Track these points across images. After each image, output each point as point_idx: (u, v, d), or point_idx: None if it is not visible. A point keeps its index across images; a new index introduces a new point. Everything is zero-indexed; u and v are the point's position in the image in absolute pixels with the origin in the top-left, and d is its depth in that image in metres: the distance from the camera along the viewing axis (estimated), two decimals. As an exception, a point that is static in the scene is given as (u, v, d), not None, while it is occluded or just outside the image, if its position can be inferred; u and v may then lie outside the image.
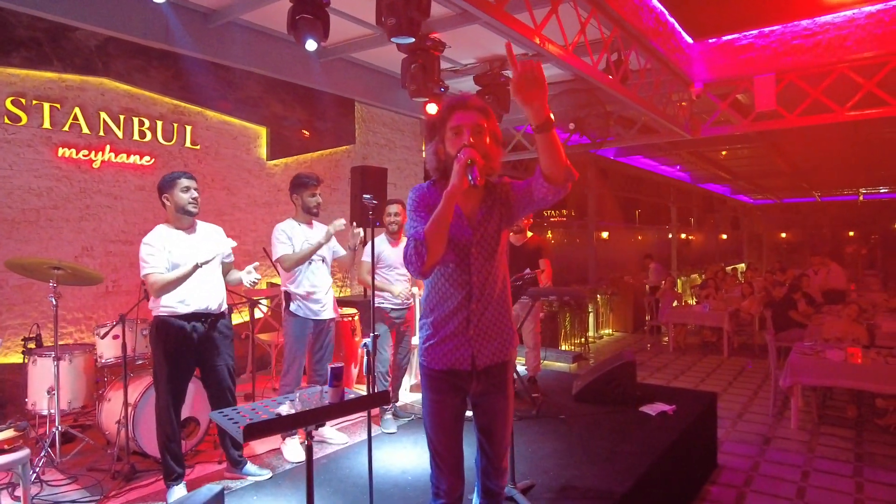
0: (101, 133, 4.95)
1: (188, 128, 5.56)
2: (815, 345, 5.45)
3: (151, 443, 3.47)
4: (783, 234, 24.65)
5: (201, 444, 3.76)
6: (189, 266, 2.98)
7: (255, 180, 6.17)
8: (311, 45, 3.93)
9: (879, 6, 4.91)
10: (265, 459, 3.65)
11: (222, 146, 5.88)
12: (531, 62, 1.68)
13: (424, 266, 1.79)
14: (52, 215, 4.69)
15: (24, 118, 4.50)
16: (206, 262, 3.03)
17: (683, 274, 15.88)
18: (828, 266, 10.27)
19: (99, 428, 3.76)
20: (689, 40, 5.79)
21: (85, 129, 4.84)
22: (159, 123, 5.34)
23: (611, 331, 10.82)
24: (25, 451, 2.61)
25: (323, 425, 3.98)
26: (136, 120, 5.17)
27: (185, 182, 3.11)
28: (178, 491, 3.07)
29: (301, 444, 3.85)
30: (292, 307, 3.73)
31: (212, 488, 2.37)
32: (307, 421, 1.70)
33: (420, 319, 2.07)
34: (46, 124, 4.62)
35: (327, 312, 3.86)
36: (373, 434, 3.93)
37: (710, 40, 5.79)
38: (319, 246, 3.68)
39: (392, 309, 4.24)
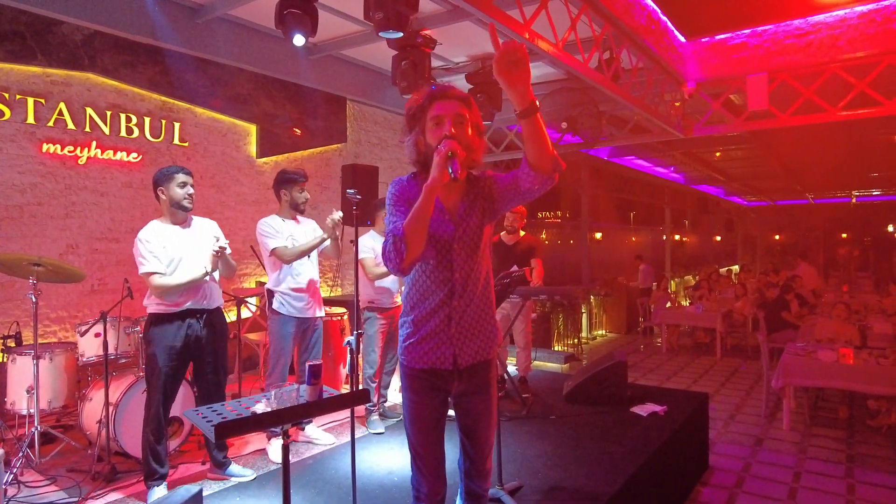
0: (87, 129, 4.88)
1: (176, 124, 5.50)
2: (807, 346, 5.43)
3: (133, 443, 3.41)
4: (777, 236, 24.74)
5: (185, 444, 3.70)
6: (199, 273, 3.01)
7: (245, 178, 6.10)
8: (298, 40, 3.88)
9: (871, 6, 4.90)
10: (250, 460, 3.59)
11: (211, 143, 5.81)
12: (514, 41, 1.62)
13: (403, 263, 1.73)
14: (35, 212, 4.61)
15: (8, 113, 4.43)
16: (213, 270, 3.05)
17: (677, 275, 15.91)
18: (798, 265, 10.38)
19: (80, 428, 3.69)
20: (682, 39, 5.77)
21: (70, 125, 4.77)
22: (147, 120, 5.27)
23: (604, 332, 10.80)
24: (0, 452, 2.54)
25: (302, 426, 3.93)
26: (123, 116, 5.10)
27: (181, 177, 3.08)
28: (159, 492, 3.01)
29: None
30: (275, 304, 3.68)
31: (189, 489, 2.31)
32: (283, 420, 1.64)
33: (401, 317, 2.00)
34: (30, 119, 4.54)
35: (313, 310, 3.80)
36: (360, 435, 3.91)
37: (703, 39, 5.77)
38: (324, 240, 3.65)
39: (383, 309, 4.19)
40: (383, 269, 4.10)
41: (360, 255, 4.13)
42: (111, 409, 3.33)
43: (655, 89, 5.68)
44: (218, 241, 3.10)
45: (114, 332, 3.60)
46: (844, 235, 22.90)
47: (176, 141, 5.50)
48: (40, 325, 4.63)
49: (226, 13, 4.76)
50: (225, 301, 4.42)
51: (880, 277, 14.93)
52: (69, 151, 4.76)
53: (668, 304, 9.62)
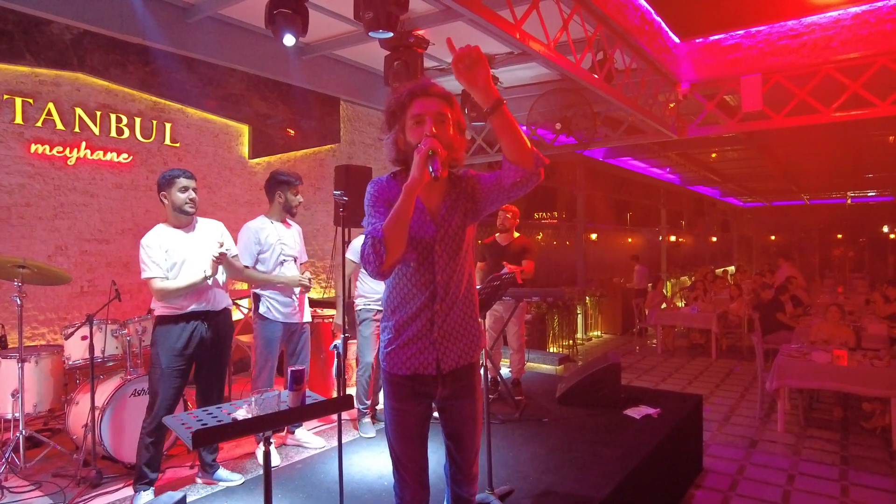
0: (77, 129, 4.83)
1: (168, 125, 5.45)
2: (801, 347, 5.42)
3: (120, 447, 3.37)
4: (772, 237, 24.79)
5: (173, 447, 3.66)
6: (198, 277, 3.01)
7: (237, 179, 6.06)
8: (289, 40, 3.85)
9: (865, 7, 4.89)
10: (239, 464, 3.55)
11: (203, 144, 5.77)
12: (468, 46, 1.63)
13: (383, 266, 1.68)
14: (23, 213, 4.56)
15: (-5, 113, 4.38)
16: (213, 274, 3.04)
17: (673, 276, 15.90)
18: (779, 265, 10.46)
19: (67, 432, 3.64)
20: (676, 40, 5.76)
21: (59, 125, 4.72)
22: (137, 120, 5.23)
23: (599, 333, 10.78)
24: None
25: (291, 429, 3.90)
26: (113, 116, 5.06)
27: (183, 181, 3.09)
28: (145, 497, 2.97)
29: (277, 448, 3.76)
30: (261, 309, 3.64)
31: (173, 496, 2.28)
32: (263, 426, 1.61)
33: (381, 322, 1.95)
34: (18, 119, 4.49)
35: (298, 316, 3.76)
36: (352, 438, 3.88)
37: (697, 40, 5.75)
38: (281, 281, 3.63)
39: (376, 310, 4.15)
40: (353, 281, 4.08)
41: (347, 255, 4.10)
42: (98, 412, 3.29)
43: (649, 90, 5.66)
44: (222, 246, 3.11)
45: (100, 335, 3.55)
46: (840, 236, 22.96)
47: (167, 141, 5.45)
48: (28, 327, 4.58)
49: (216, 13, 4.73)
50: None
51: (875, 278, 14.96)
52: (58, 152, 4.71)
53: (664, 306, 9.61)
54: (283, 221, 3.76)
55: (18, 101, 4.49)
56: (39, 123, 4.61)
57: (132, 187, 5.22)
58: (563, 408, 4.30)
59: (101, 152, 4.98)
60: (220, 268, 3.18)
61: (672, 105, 6.37)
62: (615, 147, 10.08)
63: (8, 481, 3.26)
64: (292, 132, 6.50)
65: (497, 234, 4.99)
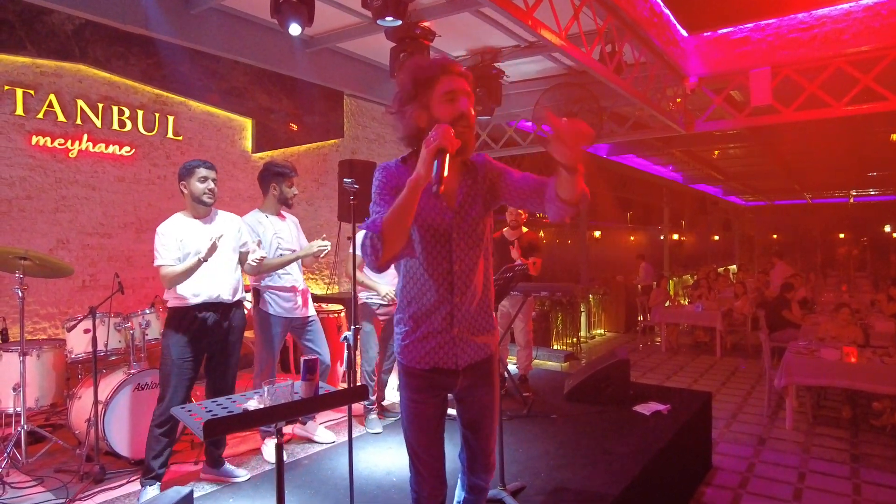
0: (79, 121, 4.77)
1: (170, 118, 5.39)
2: (810, 344, 5.37)
3: (123, 442, 3.32)
4: (774, 236, 24.75)
5: (178, 443, 3.59)
6: (192, 260, 2.96)
7: (240, 173, 6.00)
8: (294, 29, 3.79)
9: (877, -1, 4.84)
10: (244, 460, 3.49)
11: (206, 138, 5.71)
12: (579, 122, 1.53)
13: (379, 261, 1.58)
14: (24, 206, 4.50)
15: (-4, 104, 4.32)
16: (208, 258, 2.96)
17: (675, 275, 15.86)
18: (774, 264, 10.45)
19: (69, 427, 3.59)
20: (684, 33, 5.70)
21: (61, 117, 4.66)
22: (140, 113, 5.17)
23: (603, 331, 10.73)
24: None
25: (303, 420, 3.84)
26: (115, 109, 5.00)
27: (202, 172, 3.06)
28: (151, 492, 2.92)
29: (284, 444, 3.70)
30: (262, 304, 3.58)
31: (179, 490, 2.22)
32: (275, 417, 1.55)
33: (396, 313, 1.87)
34: (19, 111, 4.43)
35: (301, 310, 3.69)
36: (358, 434, 3.82)
37: (706, 34, 5.69)
38: (297, 257, 3.57)
39: (380, 305, 4.10)
40: (361, 277, 4.02)
41: (350, 249, 4.04)
42: (100, 407, 3.23)
43: (657, 84, 5.60)
44: (221, 237, 3.03)
45: (103, 328, 3.49)
46: (842, 235, 22.92)
47: (170, 135, 5.39)
48: (29, 321, 4.52)
49: (220, 3, 4.65)
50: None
51: (878, 277, 14.91)
52: (59, 144, 4.65)
53: (668, 304, 9.56)
54: (278, 214, 3.67)
55: (19, 92, 4.43)
56: (41, 115, 4.55)
57: (134, 181, 5.16)
58: (571, 404, 4.25)
59: (104, 145, 4.92)
60: (234, 259, 3.16)
61: (679, 100, 6.31)
62: (619, 144, 10.02)
63: (9, 476, 3.20)
64: (295, 127, 6.44)
65: (505, 230, 4.94)
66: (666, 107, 5.88)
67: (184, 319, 3.01)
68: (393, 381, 5.03)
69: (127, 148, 5.07)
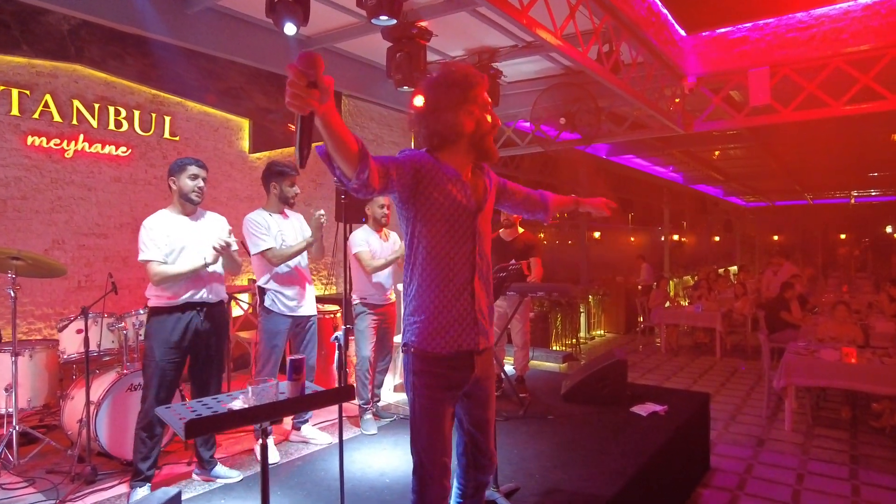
0: (75, 122, 4.76)
1: (167, 118, 5.38)
2: (809, 345, 5.34)
3: (115, 443, 3.30)
4: (775, 237, 24.68)
5: (171, 444, 3.58)
6: (198, 263, 2.96)
7: (237, 174, 5.99)
8: (290, 28, 3.77)
9: (876, -2, 4.81)
10: (238, 460, 3.47)
11: (203, 138, 5.70)
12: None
13: (349, 179, 1.66)
14: (20, 206, 4.49)
15: (-9, 104, 4.32)
16: (214, 261, 3.00)
17: (675, 276, 15.81)
18: (781, 265, 10.44)
19: (62, 428, 3.57)
20: (682, 33, 5.67)
21: (56, 118, 4.65)
22: (136, 113, 5.16)
23: (602, 332, 10.70)
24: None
25: (297, 425, 3.83)
26: (111, 109, 4.99)
27: (193, 169, 3.05)
28: (141, 492, 2.90)
29: (280, 445, 3.69)
30: (267, 302, 3.57)
31: (167, 491, 2.20)
32: (259, 417, 1.53)
33: (417, 301, 1.87)
34: (15, 111, 4.43)
35: (305, 309, 3.69)
36: (353, 435, 3.81)
37: (704, 33, 5.66)
38: (312, 241, 3.55)
39: (374, 305, 4.08)
40: (380, 261, 4.00)
41: (355, 250, 4.03)
42: (92, 407, 3.21)
43: (655, 84, 5.58)
44: (230, 234, 3.08)
45: (96, 329, 3.48)
46: (843, 236, 22.85)
47: (167, 135, 5.38)
48: (24, 322, 4.51)
49: (216, 3, 4.64)
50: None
51: (879, 278, 14.85)
52: (55, 144, 4.64)
53: (668, 304, 9.53)
54: (281, 213, 3.69)
55: (15, 92, 4.42)
56: (36, 115, 4.54)
57: (131, 181, 5.15)
58: (568, 405, 4.23)
59: (100, 145, 4.91)
60: (220, 259, 3.11)
61: (677, 100, 6.29)
62: (618, 144, 10.00)
63: (1, 478, 3.19)
64: (293, 127, 6.42)
65: (501, 230, 4.91)
66: (664, 106, 5.85)
67: (167, 319, 2.98)
68: (390, 382, 5.01)
69: (123, 148, 5.06)
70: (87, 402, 3.18)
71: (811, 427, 5.19)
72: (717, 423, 5.35)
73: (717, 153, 12.09)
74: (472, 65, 5.79)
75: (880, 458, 4.45)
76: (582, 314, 9.95)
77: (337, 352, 2.31)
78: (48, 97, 4.59)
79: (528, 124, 7.25)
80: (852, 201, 19.35)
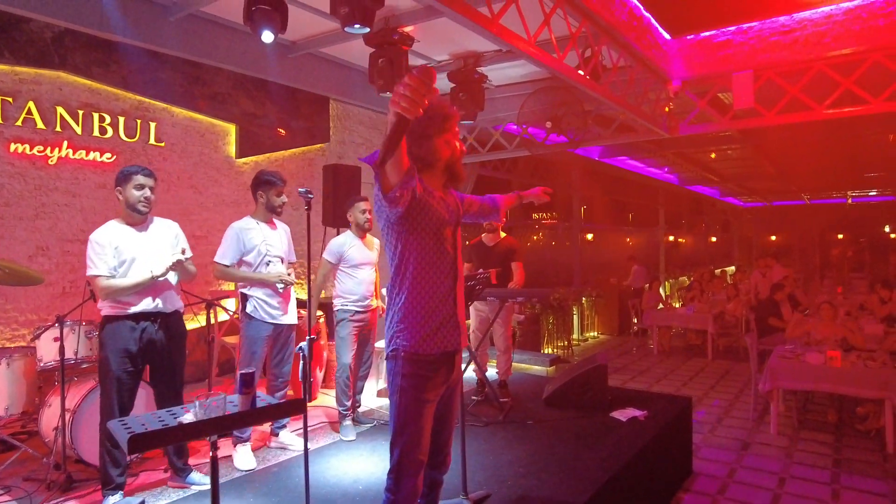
0: (58, 128, 4.78)
1: (152, 124, 5.40)
2: (795, 348, 5.34)
3: (91, 450, 3.31)
4: (773, 237, 24.65)
5: (149, 451, 3.59)
6: (145, 277, 2.93)
7: (224, 178, 6.00)
8: (267, 36, 3.79)
9: (857, 2, 4.80)
10: (215, 468, 3.48)
11: (189, 143, 5.71)
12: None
13: (384, 189, 1.85)
14: (3, 213, 4.51)
15: (-26, 112, 4.33)
16: (162, 275, 2.97)
17: (672, 276, 15.79)
18: (771, 266, 10.47)
19: (41, 435, 3.58)
20: (667, 37, 5.67)
21: (40, 125, 4.66)
22: (121, 119, 5.17)
23: (596, 333, 10.70)
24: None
25: (275, 432, 3.84)
26: (96, 115, 5.00)
27: (140, 179, 3.01)
28: (114, 500, 2.91)
29: (258, 451, 3.70)
30: (249, 309, 3.59)
31: (129, 501, 2.22)
32: (207, 431, 1.54)
33: (407, 309, 2.03)
34: (-3, 118, 4.44)
35: (287, 318, 3.71)
36: (332, 441, 3.82)
37: (689, 37, 5.67)
38: (262, 279, 3.58)
39: (356, 311, 4.09)
40: (326, 283, 4.03)
41: (324, 255, 4.07)
42: (68, 415, 3.23)
43: (638, 88, 5.58)
44: (183, 252, 3.04)
45: (73, 336, 3.49)
46: (840, 236, 22.82)
47: (152, 141, 5.40)
48: (8, 329, 4.53)
49: (198, 10, 4.66)
50: (195, 304, 4.36)
51: (876, 278, 14.83)
52: (39, 151, 4.66)
53: (661, 306, 9.53)
54: (269, 222, 3.73)
55: (-3, 99, 4.44)
56: (19, 122, 4.55)
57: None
58: (550, 410, 4.24)
59: (84, 152, 4.93)
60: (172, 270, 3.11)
61: (670, 106, 6.28)
62: (610, 146, 10.00)
63: (-23, 485, 3.21)
64: (283, 132, 6.44)
65: (483, 235, 4.93)
66: (647, 110, 5.85)
67: (120, 328, 2.95)
68: (373, 387, 5.02)
69: (108, 154, 5.08)
70: (63, 410, 3.19)
71: (797, 430, 5.19)
72: (704, 426, 5.35)
73: (713, 155, 12.07)
74: (458, 69, 5.81)
75: (862, 462, 4.45)
76: (575, 316, 9.95)
77: (301, 362, 2.32)
78: (31, 104, 4.60)
79: (516, 127, 7.26)
80: (849, 201, 19.32)
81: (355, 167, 5.97)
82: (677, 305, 10.56)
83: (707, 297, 9.86)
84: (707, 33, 5.57)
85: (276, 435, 3.85)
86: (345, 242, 4.08)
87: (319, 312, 5.23)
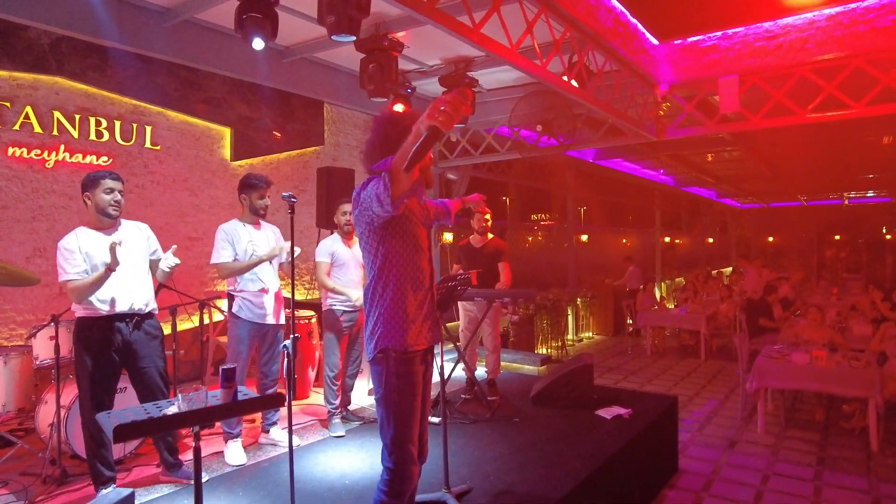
0: (55, 133, 4.87)
1: (148, 128, 5.49)
2: (782, 348, 5.42)
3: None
4: (770, 238, 24.71)
5: (142, 446, 3.68)
6: (101, 271, 2.88)
7: (219, 181, 6.09)
8: (258, 43, 3.88)
9: (839, 8, 4.89)
10: (205, 463, 3.56)
11: (184, 147, 5.81)
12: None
13: (390, 197, 1.91)
14: (1, 216, 4.59)
15: (-28, 117, 4.42)
16: (115, 266, 2.89)
17: (668, 278, 15.86)
18: (747, 269, 10.61)
19: (37, 432, 3.67)
20: (655, 42, 5.76)
21: (37, 129, 4.75)
22: (117, 123, 5.26)
23: (591, 334, 10.77)
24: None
25: (266, 429, 3.92)
26: (92, 120, 5.09)
27: (109, 183, 3.01)
28: (106, 492, 2.99)
29: (250, 447, 3.78)
30: (234, 308, 3.68)
31: (120, 492, 2.30)
32: (188, 422, 1.63)
33: (392, 309, 2.12)
34: (-5, 123, 4.53)
35: (272, 317, 3.78)
36: (322, 437, 3.90)
37: (676, 42, 5.75)
38: (260, 261, 3.65)
39: (344, 311, 4.17)
40: (329, 283, 4.09)
41: (317, 259, 4.14)
42: (63, 411, 3.31)
43: (625, 92, 5.67)
44: (167, 259, 3.13)
45: (68, 335, 3.57)
46: (837, 237, 22.87)
47: (148, 144, 5.49)
48: (6, 327, 4.62)
49: (193, 16, 4.76)
50: (188, 303, 4.45)
51: (872, 280, 14.88)
52: (36, 155, 4.75)
53: (655, 307, 9.61)
54: (255, 223, 3.81)
55: (-5, 104, 4.53)
56: (17, 127, 4.65)
57: (112, 190, 5.24)
58: (537, 408, 4.32)
59: (80, 155, 5.01)
60: (144, 267, 3.16)
61: (662, 112, 6.36)
62: (604, 148, 10.08)
63: (-26, 481, 3.29)
64: (278, 135, 6.53)
65: (471, 237, 5.01)
66: (635, 114, 5.94)
67: (95, 331, 2.95)
68: (364, 386, 5.10)
69: (104, 158, 5.17)
70: (58, 407, 3.28)
71: (784, 429, 5.27)
72: (693, 425, 5.43)
73: (710, 157, 12.14)
74: (449, 74, 5.90)
75: (846, 460, 4.53)
76: (570, 317, 10.03)
77: (285, 360, 2.41)
78: (28, 109, 4.70)
79: (506, 130, 7.35)
80: (846, 203, 19.38)
81: (349, 170, 6.06)
82: (671, 307, 10.64)
83: (701, 298, 9.94)
84: (694, 38, 5.66)
85: (267, 432, 3.93)
86: (332, 244, 4.17)
87: (311, 312, 5.32)
